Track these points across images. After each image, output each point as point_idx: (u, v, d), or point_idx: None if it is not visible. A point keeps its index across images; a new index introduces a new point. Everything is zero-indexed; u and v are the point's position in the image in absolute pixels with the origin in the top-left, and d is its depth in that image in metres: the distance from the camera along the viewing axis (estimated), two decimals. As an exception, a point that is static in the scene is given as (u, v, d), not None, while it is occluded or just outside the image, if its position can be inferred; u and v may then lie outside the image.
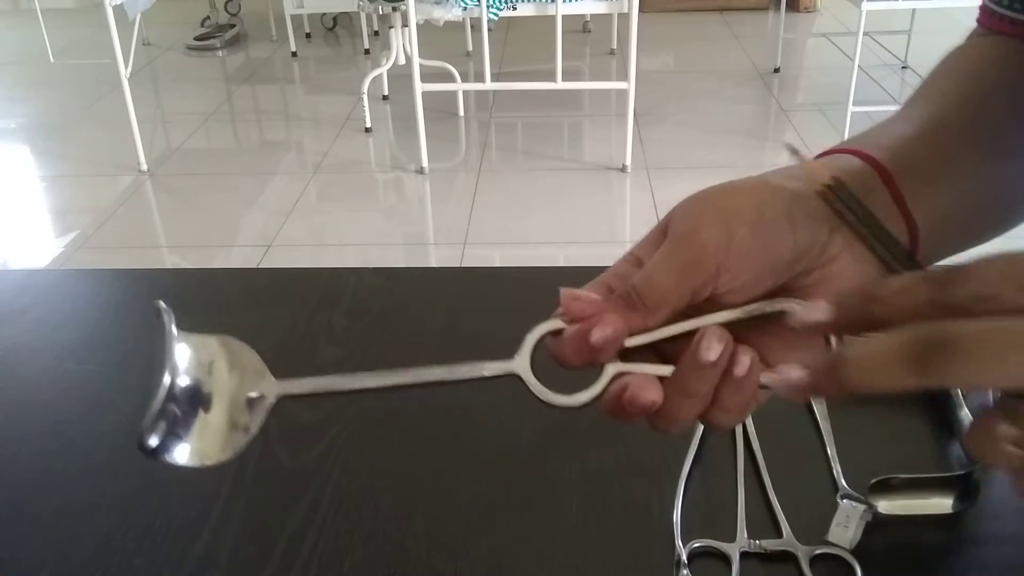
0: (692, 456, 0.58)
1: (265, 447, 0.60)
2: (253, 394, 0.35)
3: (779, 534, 0.52)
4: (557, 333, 0.36)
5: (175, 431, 0.33)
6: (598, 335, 0.35)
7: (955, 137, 0.46)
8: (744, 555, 0.51)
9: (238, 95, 4.25)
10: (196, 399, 0.33)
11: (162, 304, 0.34)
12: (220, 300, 0.79)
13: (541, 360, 0.36)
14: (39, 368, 0.70)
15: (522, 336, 0.36)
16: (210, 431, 0.34)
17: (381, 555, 0.52)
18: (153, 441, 0.32)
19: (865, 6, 3.19)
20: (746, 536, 0.52)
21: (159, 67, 4.68)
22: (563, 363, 0.36)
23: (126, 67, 3.12)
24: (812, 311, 0.33)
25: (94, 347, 0.73)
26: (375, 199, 3.22)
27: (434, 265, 2.64)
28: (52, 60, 3.79)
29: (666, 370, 0.36)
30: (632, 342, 0.36)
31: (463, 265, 2.51)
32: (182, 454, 0.33)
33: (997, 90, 0.49)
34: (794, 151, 0.48)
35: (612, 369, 0.36)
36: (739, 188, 0.39)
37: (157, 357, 0.33)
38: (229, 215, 3.03)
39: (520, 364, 0.36)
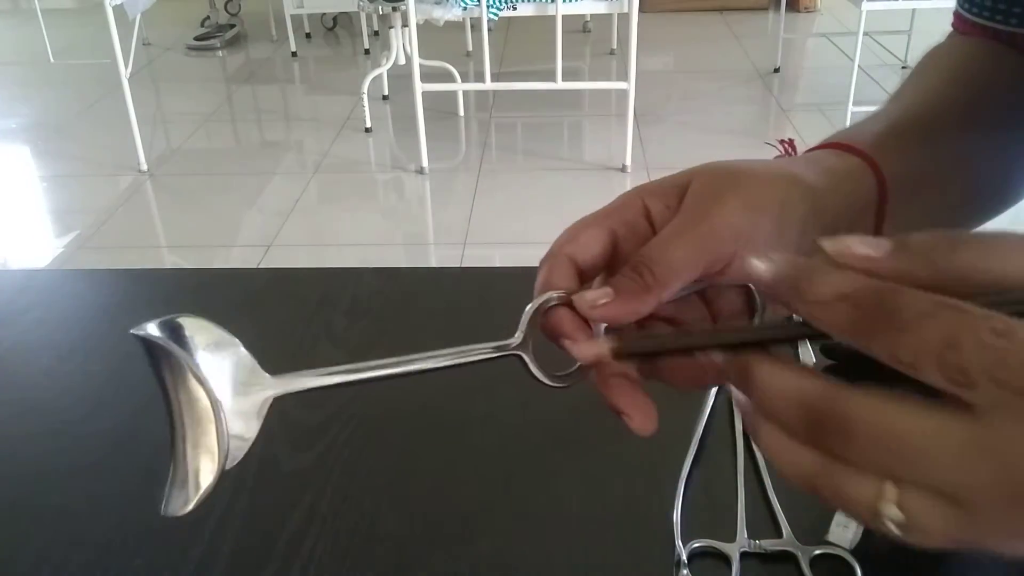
0: (692, 456, 0.58)
1: (265, 447, 0.60)
2: (249, 398, 0.33)
3: (779, 534, 0.52)
4: (550, 307, 0.36)
5: (185, 477, 0.32)
6: (589, 353, 0.35)
7: (934, 131, 0.48)
8: (744, 555, 0.51)
9: (238, 95, 4.25)
10: (199, 421, 0.32)
11: (152, 333, 0.32)
12: (220, 300, 0.79)
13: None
14: (39, 368, 0.70)
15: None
16: (212, 448, 0.32)
17: (381, 555, 0.52)
18: (182, 508, 0.32)
19: (865, 6, 3.19)
20: (746, 536, 0.52)
21: (159, 67, 4.68)
22: (549, 339, 0.37)
23: (126, 67, 3.12)
24: (762, 269, 0.30)
25: (94, 347, 0.73)
26: (375, 199, 3.22)
27: (434, 265, 2.64)
28: (52, 60, 3.79)
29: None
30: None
31: (463, 265, 2.51)
32: (194, 493, 0.32)
33: (973, 85, 0.52)
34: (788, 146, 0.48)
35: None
36: (766, 177, 0.38)
37: (166, 400, 0.32)
38: (229, 215, 3.03)
39: (520, 344, 0.36)
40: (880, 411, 0.26)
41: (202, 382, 0.32)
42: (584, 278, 0.38)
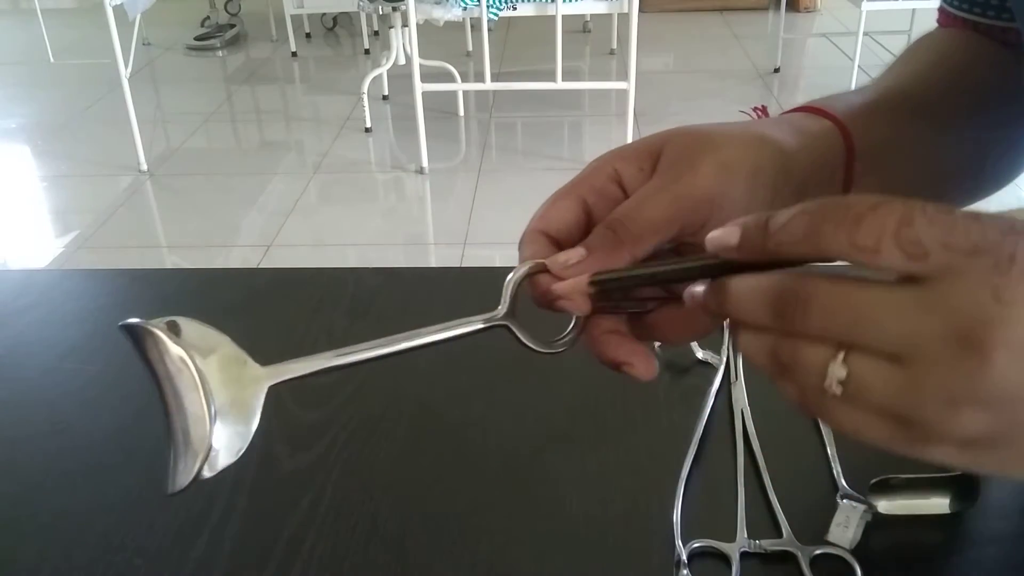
0: (692, 456, 0.58)
1: (265, 447, 0.60)
2: (244, 390, 0.34)
3: (779, 534, 0.52)
4: (531, 276, 0.37)
5: (187, 459, 0.33)
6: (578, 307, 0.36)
7: (910, 110, 0.49)
8: (744, 555, 0.51)
9: (238, 95, 4.25)
10: (186, 391, 0.33)
11: (146, 325, 0.32)
12: (220, 301, 0.79)
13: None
14: (39, 368, 0.70)
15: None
16: (203, 416, 0.33)
17: (381, 555, 0.52)
18: (187, 479, 0.32)
19: (865, 6, 3.19)
20: (746, 536, 0.52)
21: (159, 67, 4.68)
22: (543, 307, 0.37)
23: (126, 67, 3.12)
24: (726, 236, 0.31)
25: (94, 347, 0.73)
26: (375, 199, 3.22)
27: (434, 265, 2.64)
28: (52, 60, 3.79)
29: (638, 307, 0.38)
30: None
31: (463, 265, 2.51)
32: (193, 463, 0.33)
33: (952, 71, 0.55)
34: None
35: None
36: (738, 140, 0.39)
37: (159, 391, 0.32)
38: (229, 215, 3.03)
39: (506, 315, 0.37)
40: (834, 284, 0.28)
41: (183, 349, 0.32)
42: (562, 249, 0.38)
